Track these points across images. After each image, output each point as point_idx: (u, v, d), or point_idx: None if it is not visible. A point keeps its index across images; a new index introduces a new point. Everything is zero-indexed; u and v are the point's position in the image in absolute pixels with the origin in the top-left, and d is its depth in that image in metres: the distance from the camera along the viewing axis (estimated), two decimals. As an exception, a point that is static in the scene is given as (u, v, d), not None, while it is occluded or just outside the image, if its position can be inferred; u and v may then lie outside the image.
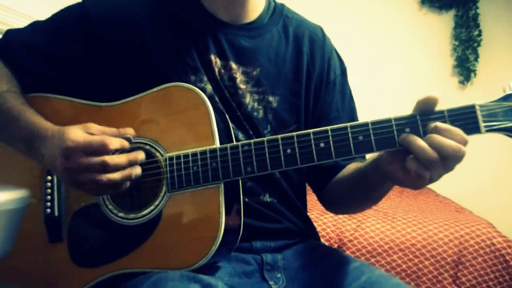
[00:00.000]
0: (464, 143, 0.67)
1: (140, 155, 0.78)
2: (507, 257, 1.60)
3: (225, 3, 0.91)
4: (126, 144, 0.78)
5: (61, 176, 0.77)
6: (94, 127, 0.77)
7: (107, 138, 0.75)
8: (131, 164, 0.77)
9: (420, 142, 0.67)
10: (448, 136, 0.66)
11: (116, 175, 0.75)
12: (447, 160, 0.67)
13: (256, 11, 0.95)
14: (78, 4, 0.92)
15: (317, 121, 0.96)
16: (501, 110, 0.68)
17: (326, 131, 0.73)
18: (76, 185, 0.76)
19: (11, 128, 0.84)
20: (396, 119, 0.70)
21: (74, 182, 0.76)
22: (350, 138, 0.72)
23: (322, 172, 0.97)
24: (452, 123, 0.68)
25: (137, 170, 0.77)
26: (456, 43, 3.13)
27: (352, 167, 0.92)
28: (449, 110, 0.69)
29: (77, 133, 0.75)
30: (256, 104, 0.91)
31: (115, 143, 0.75)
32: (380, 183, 0.80)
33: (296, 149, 0.74)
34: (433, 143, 0.67)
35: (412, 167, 0.68)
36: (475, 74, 3.10)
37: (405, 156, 0.69)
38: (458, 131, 0.67)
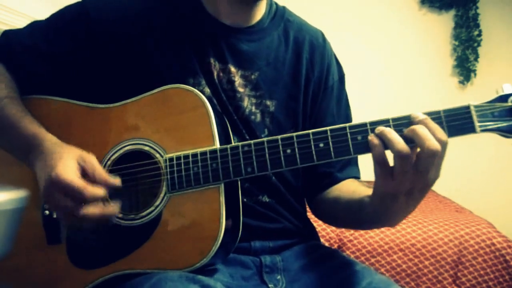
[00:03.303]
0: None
1: (115, 209, 0.77)
2: (507, 257, 1.60)
3: (228, 7, 0.91)
4: (104, 194, 0.76)
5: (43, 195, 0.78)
6: (89, 162, 0.77)
7: (87, 189, 0.73)
8: (104, 215, 0.75)
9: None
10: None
11: (85, 221, 0.75)
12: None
13: (258, 14, 0.95)
14: (78, 3, 0.92)
15: (313, 126, 0.96)
16: (495, 110, 0.70)
17: (325, 131, 0.74)
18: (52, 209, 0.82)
19: (9, 136, 0.85)
20: (394, 120, 0.71)
21: (50, 207, 0.84)
22: (349, 139, 0.72)
23: (316, 180, 0.97)
24: (448, 123, 0.70)
25: (110, 220, 0.77)
26: (456, 43, 3.13)
27: (351, 189, 0.92)
28: (445, 111, 0.70)
29: (66, 169, 0.74)
30: (254, 108, 0.91)
31: (93, 193, 0.74)
32: (380, 211, 0.78)
33: (296, 149, 0.74)
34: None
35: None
36: (475, 74, 3.10)
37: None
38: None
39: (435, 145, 0.67)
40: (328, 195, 0.96)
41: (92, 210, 0.74)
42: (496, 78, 2.91)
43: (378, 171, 0.71)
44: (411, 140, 0.69)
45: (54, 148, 0.79)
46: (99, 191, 0.75)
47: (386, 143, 0.69)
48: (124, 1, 0.92)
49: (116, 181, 0.77)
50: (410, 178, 0.69)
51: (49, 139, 0.81)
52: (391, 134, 0.69)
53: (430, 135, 0.67)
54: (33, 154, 0.80)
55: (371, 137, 0.70)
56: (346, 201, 0.89)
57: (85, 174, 0.76)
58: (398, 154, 0.68)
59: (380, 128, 0.70)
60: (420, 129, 0.68)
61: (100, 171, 0.77)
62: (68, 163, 0.75)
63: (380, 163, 0.70)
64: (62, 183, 0.73)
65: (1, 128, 0.85)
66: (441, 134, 0.68)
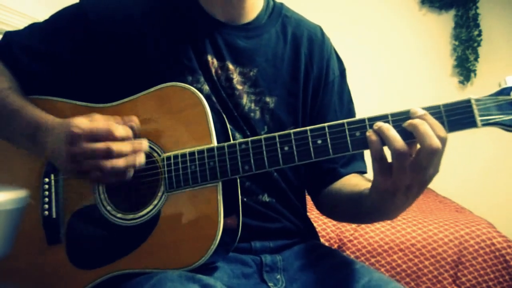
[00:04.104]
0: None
1: (144, 143, 0.77)
2: (507, 257, 1.59)
3: (223, 4, 0.91)
4: (130, 132, 0.77)
5: (64, 164, 0.76)
6: (99, 116, 0.77)
7: (113, 125, 0.74)
8: (135, 151, 0.75)
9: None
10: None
11: (120, 162, 0.73)
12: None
13: (254, 11, 0.95)
14: (76, 4, 0.92)
15: (314, 122, 0.95)
16: (496, 104, 0.68)
17: (323, 128, 0.73)
18: (79, 172, 0.75)
19: (13, 123, 0.84)
20: (393, 115, 0.70)
21: (77, 169, 0.75)
22: (347, 135, 0.72)
23: (319, 176, 0.97)
24: (448, 118, 0.69)
25: (141, 158, 0.76)
26: (456, 43, 3.13)
27: (352, 182, 0.92)
28: (445, 105, 0.69)
29: (82, 120, 0.74)
30: (253, 105, 0.91)
31: (120, 130, 0.74)
32: (379, 205, 0.78)
33: (294, 146, 0.74)
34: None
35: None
36: (475, 74, 3.09)
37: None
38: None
39: (436, 143, 0.66)
40: (331, 189, 0.95)
41: (124, 146, 0.73)
42: (496, 78, 2.87)
43: (376, 167, 0.70)
44: (410, 135, 0.68)
45: (61, 120, 0.79)
46: (124, 128, 0.75)
47: (384, 140, 0.69)
48: (122, 1, 0.92)
49: (133, 118, 0.79)
50: (408, 174, 0.68)
51: (53, 118, 0.81)
52: (389, 131, 0.68)
53: (431, 132, 0.66)
54: (40, 132, 0.80)
55: (369, 133, 0.70)
56: (346, 194, 0.89)
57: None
58: (395, 152, 0.67)
59: (378, 124, 0.69)
60: (421, 125, 0.67)
61: (112, 117, 0.78)
62: (80, 118, 0.75)
63: (378, 159, 0.70)
64: (86, 130, 0.73)
65: (4, 116, 0.85)
66: (441, 130, 0.67)
